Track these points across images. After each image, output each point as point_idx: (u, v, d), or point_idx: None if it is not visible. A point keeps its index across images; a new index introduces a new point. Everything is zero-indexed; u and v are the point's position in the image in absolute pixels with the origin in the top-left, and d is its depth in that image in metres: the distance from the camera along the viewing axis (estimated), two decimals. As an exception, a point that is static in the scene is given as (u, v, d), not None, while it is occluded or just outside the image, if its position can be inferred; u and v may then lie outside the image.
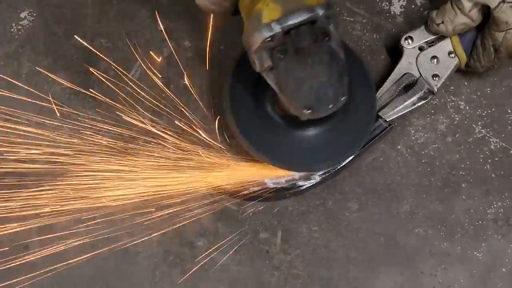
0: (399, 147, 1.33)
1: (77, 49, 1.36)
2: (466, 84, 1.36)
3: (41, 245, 1.23)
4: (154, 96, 1.31)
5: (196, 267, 1.26)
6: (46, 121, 1.27)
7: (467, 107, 1.35)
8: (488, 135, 1.34)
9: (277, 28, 1.04)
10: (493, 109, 1.35)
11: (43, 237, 1.23)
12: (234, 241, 1.27)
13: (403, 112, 1.30)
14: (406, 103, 1.30)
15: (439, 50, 1.31)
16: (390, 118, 1.29)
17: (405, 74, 1.31)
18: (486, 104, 1.35)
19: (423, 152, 1.33)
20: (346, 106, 1.15)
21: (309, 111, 1.10)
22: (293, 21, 1.04)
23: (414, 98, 1.30)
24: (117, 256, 1.25)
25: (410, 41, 1.32)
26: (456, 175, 1.32)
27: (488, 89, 1.36)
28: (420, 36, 1.32)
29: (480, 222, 1.29)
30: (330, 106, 1.10)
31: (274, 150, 1.22)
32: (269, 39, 1.04)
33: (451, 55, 1.30)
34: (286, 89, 1.09)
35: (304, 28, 1.04)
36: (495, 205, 1.30)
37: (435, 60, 1.30)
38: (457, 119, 1.34)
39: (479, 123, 1.34)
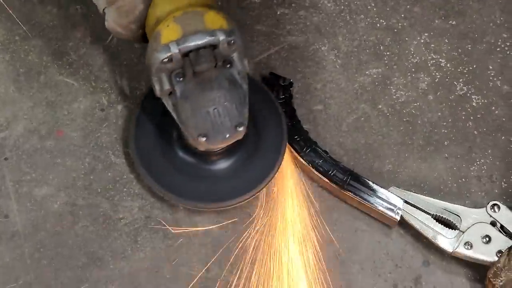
0: (380, 106, 1.32)
1: (53, 16, 1.35)
2: (447, 41, 1.35)
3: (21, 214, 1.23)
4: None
5: (179, 232, 1.25)
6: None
7: (448, 65, 1.34)
8: (469, 92, 1.32)
9: (174, 49, 1.02)
10: (474, 66, 1.34)
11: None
12: (216, 205, 1.27)
13: None
14: None
15: None
16: None
17: None
18: (467, 61, 1.34)
19: (404, 111, 1.32)
20: (255, 139, 1.18)
21: (204, 138, 1.08)
22: (192, 43, 1.02)
23: None
24: (98, 223, 1.24)
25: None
26: (438, 133, 1.31)
27: (469, 46, 1.35)
28: None
29: (464, 179, 1.28)
30: (227, 135, 1.09)
31: (173, 184, 1.21)
32: (166, 59, 1.02)
33: None
34: (183, 114, 1.07)
35: (204, 51, 1.03)
36: (478, 162, 1.29)
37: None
38: (438, 76, 1.33)
39: (461, 80, 1.33)
